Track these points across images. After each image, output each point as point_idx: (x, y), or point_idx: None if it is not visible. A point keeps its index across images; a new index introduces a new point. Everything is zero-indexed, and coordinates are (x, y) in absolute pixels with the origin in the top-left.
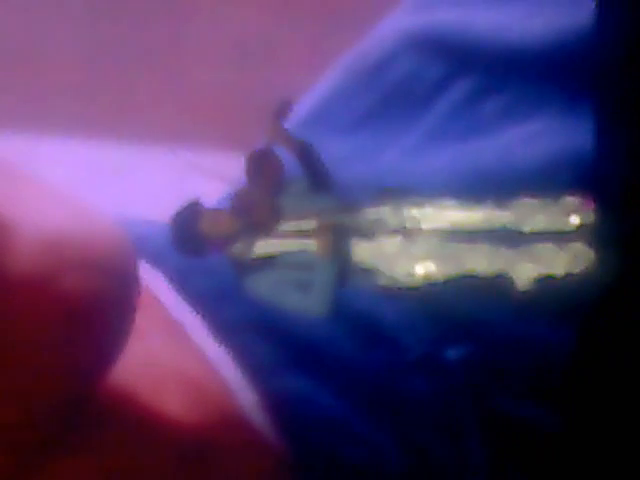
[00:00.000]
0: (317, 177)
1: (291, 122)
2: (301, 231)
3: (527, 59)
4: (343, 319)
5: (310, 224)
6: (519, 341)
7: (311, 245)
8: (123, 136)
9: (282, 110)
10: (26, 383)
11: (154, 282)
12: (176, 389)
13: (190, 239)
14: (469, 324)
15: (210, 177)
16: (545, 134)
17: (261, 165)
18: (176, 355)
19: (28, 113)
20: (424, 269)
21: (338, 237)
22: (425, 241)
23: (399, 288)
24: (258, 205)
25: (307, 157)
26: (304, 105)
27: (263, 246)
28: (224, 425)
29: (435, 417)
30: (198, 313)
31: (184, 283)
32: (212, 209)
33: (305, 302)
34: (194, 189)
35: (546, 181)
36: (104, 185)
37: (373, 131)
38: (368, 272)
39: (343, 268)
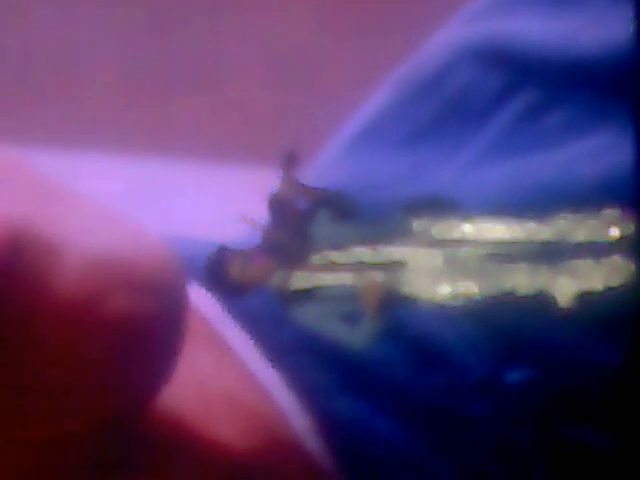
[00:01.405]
0: (341, 210)
1: (343, 138)
2: (333, 263)
3: (590, 70)
4: (400, 340)
5: (341, 256)
6: (578, 363)
7: (345, 277)
8: (162, 153)
9: (290, 162)
10: (73, 406)
11: (204, 303)
12: (227, 412)
13: (225, 285)
14: (528, 345)
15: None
16: (609, 149)
17: (283, 202)
18: (227, 378)
19: (68, 130)
20: (465, 288)
21: (376, 272)
22: (466, 259)
23: (441, 307)
24: (285, 241)
25: (326, 201)
26: (356, 120)
27: (299, 280)
28: (277, 449)
29: (496, 443)
30: (249, 335)
31: (235, 304)
32: (241, 251)
33: (351, 335)
34: (234, 206)
35: (610, 197)
36: (145, 203)
37: (429, 146)
38: (407, 293)
39: (386, 299)
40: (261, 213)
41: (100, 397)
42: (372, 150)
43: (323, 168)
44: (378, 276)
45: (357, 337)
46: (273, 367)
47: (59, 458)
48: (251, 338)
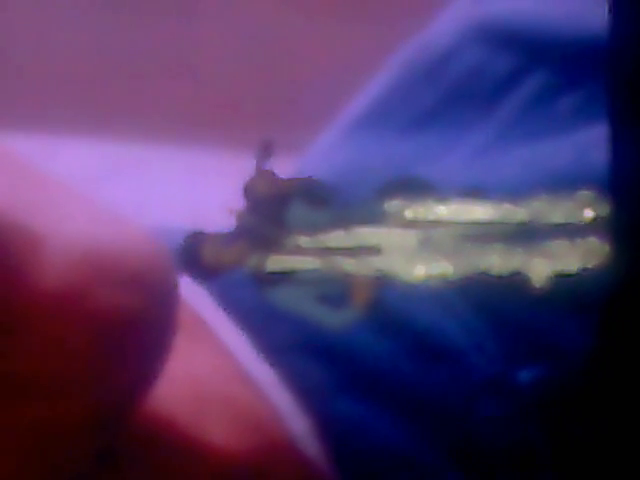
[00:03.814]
0: (317, 197)
1: (346, 121)
2: (307, 247)
3: (601, 52)
4: (402, 337)
5: (316, 240)
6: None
7: (321, 262)
8: (137, 136)
9: (265, 152)
10: (55, 412)
11: (196, 298)
12: (222, 414)
13: (198, 268)
14: (540, 341)
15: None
16: None
17: (258, 189)
18: (221, 375)
19: (43, 114)
20: (440, 269)
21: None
22: (440, 240)
23: (419, 289)
24: (260, 224)
25: (302, 189)
26: (360, 103)
27: (275, 262)
28: (273, 453)
29: (505, 444)
30: (244, 332)
31: (229, 299)
32: (215, 234)
33: (330, 317)
34: (204, 189)
35: (624, 183)
36: (119, 187)
37: (437, 131)
38: (382, 276)
39: (369, 284)
40: (237, 198)
41: (86, 393)
42: (374, 135)
43: (323, 153)
44: (369, 271)
45: (337, 320)
46: (269, 365)
47: (47, 455)
48: (247, 335)
